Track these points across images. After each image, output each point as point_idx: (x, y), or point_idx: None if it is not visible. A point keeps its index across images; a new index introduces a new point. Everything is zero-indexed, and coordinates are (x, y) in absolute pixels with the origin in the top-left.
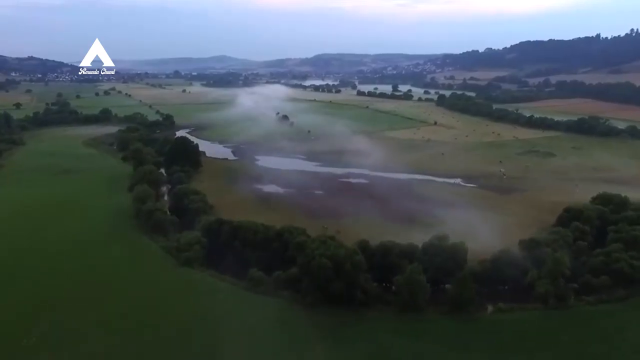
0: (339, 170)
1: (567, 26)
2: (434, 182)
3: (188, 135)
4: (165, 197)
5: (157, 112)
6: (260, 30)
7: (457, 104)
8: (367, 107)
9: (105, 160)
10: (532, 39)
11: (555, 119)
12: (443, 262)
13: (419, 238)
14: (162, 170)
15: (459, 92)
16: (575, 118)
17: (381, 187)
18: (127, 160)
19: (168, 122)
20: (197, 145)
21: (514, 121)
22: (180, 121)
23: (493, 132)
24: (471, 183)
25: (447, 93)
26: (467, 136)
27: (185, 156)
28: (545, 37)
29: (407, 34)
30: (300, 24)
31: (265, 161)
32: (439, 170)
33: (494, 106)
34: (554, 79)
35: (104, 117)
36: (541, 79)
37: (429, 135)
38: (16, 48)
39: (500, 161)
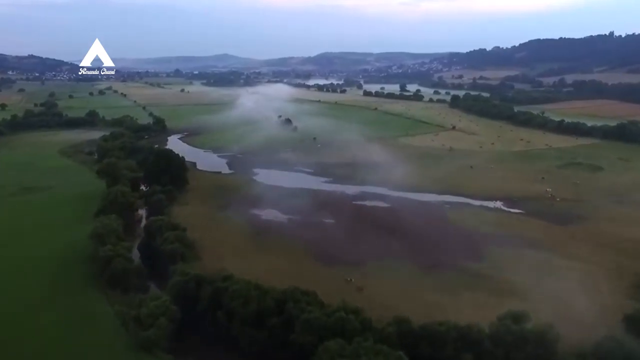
0: (351, 189)
1: (578, 24)
2: (469, 206)
3: (180, 142)
4: (143, 224)
5: (150, 114)
6: (262, 28)
7: (474, 106)
8: (376, 108)
9: (79, 175)
10: (541, 37)
11: (589, 124)
12: (525, 357)
13: (471, 301)
14: (144, 187)
15: (473, 93)
16: (611, 123)
17: (407, 214)
18: (102, 175)
19: (159, 126)
20: (183, 159)
21: (541, 126)
22: (174, 125)
23: (521, 139)
24: (515, 208)
25: (459, 93)
26: (492, 144)
27: (170, 172)
28: (555, 35)
29: (411, 32)
30: (303, 22)
31: (265, 176)
32: (472, 190)
33: (515, 108)
34: (569, 79)
35: (90, 120)
36: (556, 79)
37: (449, 142)
38: (16, 46)
39: (543, 177)
